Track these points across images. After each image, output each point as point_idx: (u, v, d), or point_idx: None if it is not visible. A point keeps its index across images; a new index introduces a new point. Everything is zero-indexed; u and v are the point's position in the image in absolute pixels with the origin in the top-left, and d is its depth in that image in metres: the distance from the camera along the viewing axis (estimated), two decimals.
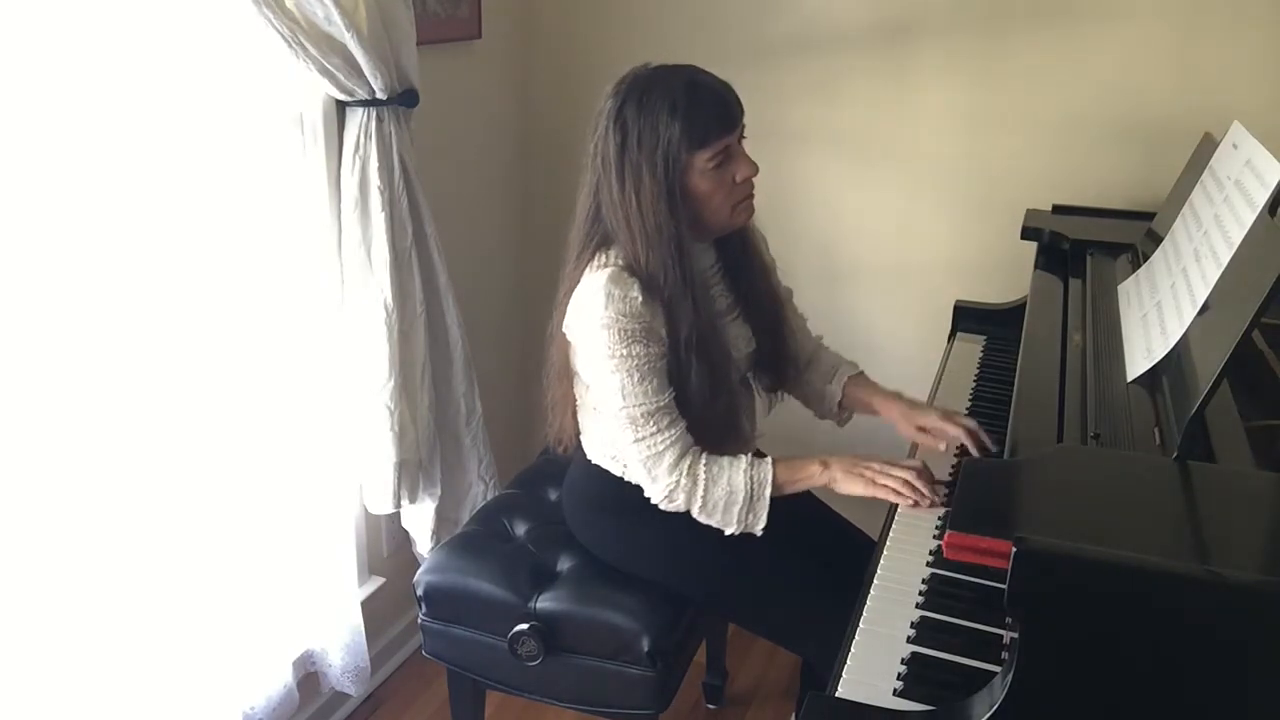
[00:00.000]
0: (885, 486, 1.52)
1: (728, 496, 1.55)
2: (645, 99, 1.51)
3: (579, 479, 1.79)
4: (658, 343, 1.54)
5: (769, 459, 1.57)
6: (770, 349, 1.76)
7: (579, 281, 1.56)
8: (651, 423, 1.54)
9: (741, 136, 1.58)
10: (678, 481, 1.55)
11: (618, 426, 1.56)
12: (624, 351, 1.51)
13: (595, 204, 1.57)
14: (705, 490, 1.55)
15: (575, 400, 1.69)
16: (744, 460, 1.56)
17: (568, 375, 1.67)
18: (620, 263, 1.54)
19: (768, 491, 1.55)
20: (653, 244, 1.52)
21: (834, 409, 1.86)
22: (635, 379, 1.52)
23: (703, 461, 1.56)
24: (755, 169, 1.58)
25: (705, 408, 1.59)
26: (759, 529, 1.56)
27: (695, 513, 1.57)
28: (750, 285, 1.73)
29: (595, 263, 1.56)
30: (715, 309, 1.66)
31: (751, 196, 1.61)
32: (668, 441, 1.54)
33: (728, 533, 1.58)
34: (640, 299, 1.51)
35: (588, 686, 1.69)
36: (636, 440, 1.55)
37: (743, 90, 1.58)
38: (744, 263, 1.73)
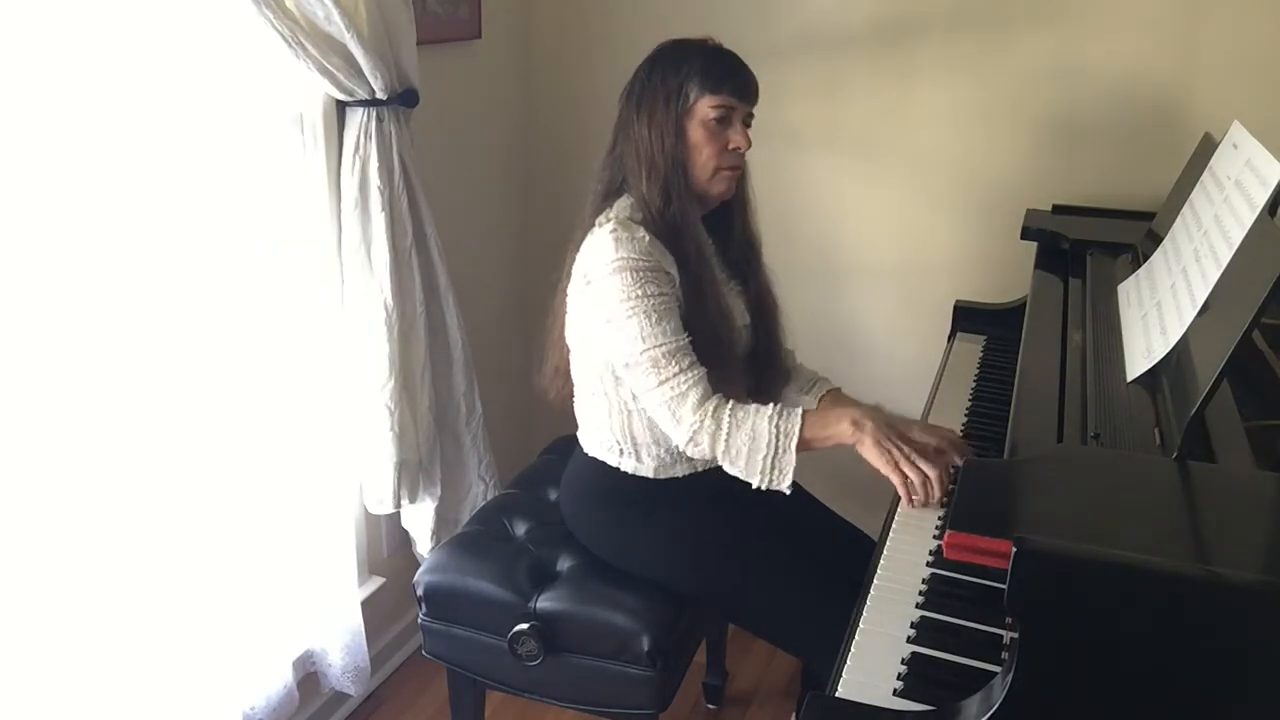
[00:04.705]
0: (903, 475, 1.49)
1: (751, 443, 1.53)
2: (681, 47, 1.65)
3: (576, 472, 1.80)
4: (669, 284, 1.57)
5: (799, 410, 1.55)
6: (763, 331, 1.77)
7: (584, 241, 1.63)
8: (674, 363, 1.55)
9: (749, 119, 1.66)
10: (701, 422, 1.54)
11: (638, 375, 1.56)
12: (639, 292, 1.54)
13: (615, 140, 1.68)
14: (729, 434, 1.53)
15: (574, 378, 1.73)
16: (771, 408, 1.54)
17: (563, 346, 1.71)
18: (624, 215, 1.61)
19: (794, 443, 1.52)
20: (655, 174, 1.61)
21: None
22: (653, 320, 1.54)
23: (728, 406, 1.55)
24: (749, 144, 1.65)
25: (706, 364, 1.59)
26: (785, 485, 1.54)
27: (719, 458, 1.56)
28: (746, 266, 1.77)
29: (599, 220, 1.62)
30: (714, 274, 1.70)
31: (736, 170, 1.68)
32: (690, 381, 1.55)
33: (754, 485, 1.55)
34: (647, 239, 1.57)
35: (588, 686, 1.69)
36: (661, 383, 1.55)
37: None
38: (747, 253, 1.77)
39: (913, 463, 1.49)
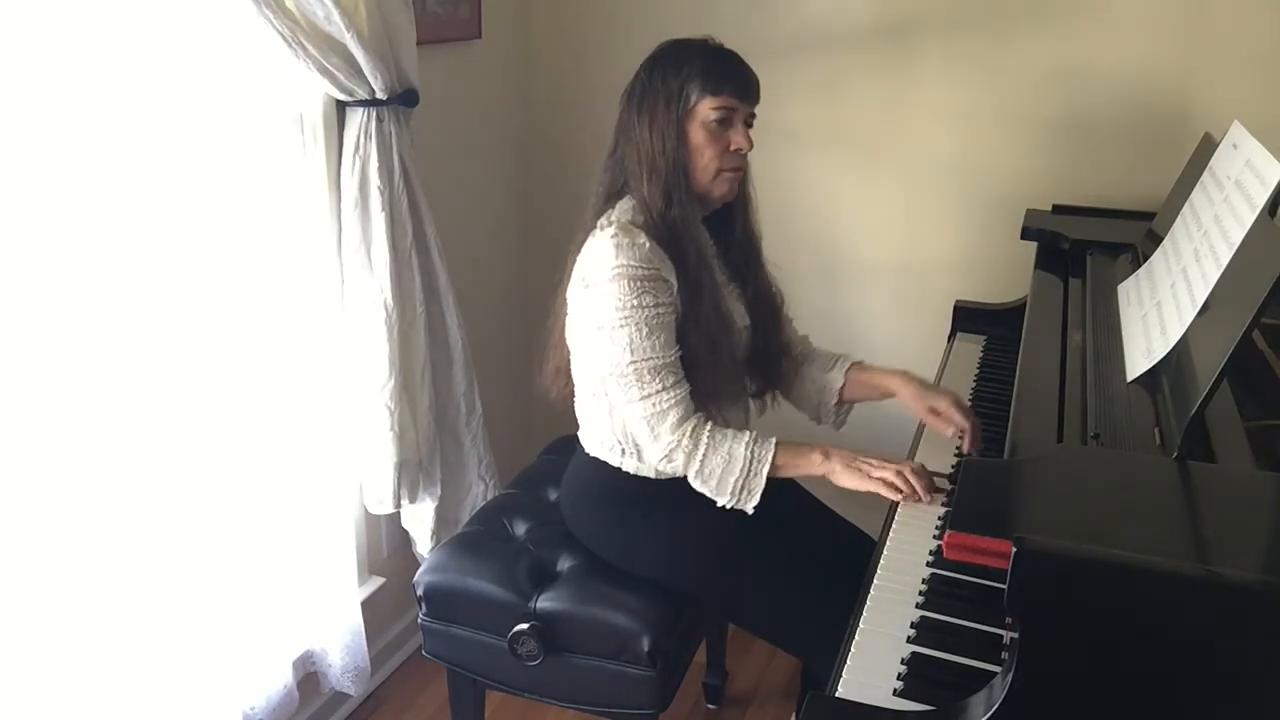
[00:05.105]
0: (879, 480, 1.54)
1: (725, 465, 1.56)
2: (682, 48, 1.64)
3: (578, 472, 1.80)
4: (667, 294, 1.57)
5: (773, 438, 1.59)
6: (765, 332, 1.77)
7: (585, 244, 1.62)
8: (658, 380, 1.55)
9: (750, 120, 1.66)
10: (679, 441, 1.56)
11: (622, 386, 1.57)
12: (634, 303, 1.54)
13: (616, 142, 1.67)
14: (705, 455, 1.56)
15: (575, 379, 1.73)
16: (748, 434, 1.58)
17: (565, 346, 1.71)
18: (626, 218, 1.60)
19: (765, 469, 1.56)
20: (656, 176, 1.60)
21: (833, 402, 1.85)
22: (644, 332, 1.54)
23: (707, 427, 1.57)
24: (750, 145, 1.64)
25: (703, 369, 1.60)
26: (751, 506, 1.58)
27: (691, 477, 1.59)
28: (747, 268, 1.77)
29: (601, 224, 1.62)
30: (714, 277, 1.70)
31: (738, 171, 1.67)
32: (672, 400, 1.56)
33: (720, 503, 1.59)
34: (648, 245, 1.56)
35: (588, 686, 1.69)
36: (642, 397, 1.56)
37: None
38: (747, 254, 1.77)
39: (883, 468, 1.55)
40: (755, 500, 1.57)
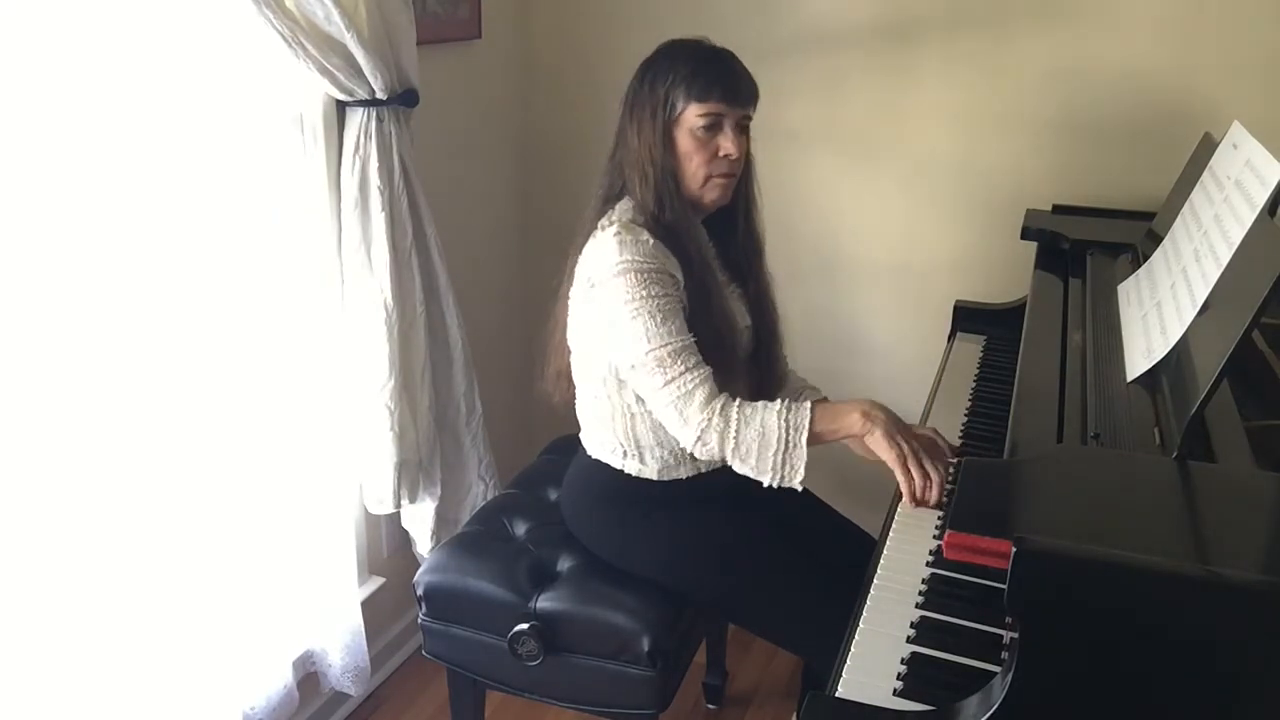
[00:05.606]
0: (909, 473, 1.50)
1: (761, 439, 1.51)
2: (673, 51, 1.63)
3: (579, 474, 1.80)
4: (673, 286, 1.57)
5: (807, 404, 1.54)
6: (764, 332, 1.77)
7: (587, 245, 1.62)
8: (680, 362, 1.53)
9: (744, 123, 1.63)
10: (709, 420, 1.52)
11: (645, 375, 1.55)
12: (643, 293, 1.53)
13: (615, 145, 1.67)
14: (738, 430, 1.51)
15: (576, 381, 1.72)
16: (779, 403, 1.53)
17: (566, 349, 1.71)
18: (626, 218, 1.60)
19: (804, 437, 1.51)
20: (647, 180, 1.60)
21: None
22: (658, 319, 1.53)
23: (735, 403, 1.53)
24: (739, 152, 1.62)
25: (712, 361, 1.58)
26: (797, 480, 1.52)
27: (729, 457, 1.54)
28: (746, 268, 1.76)
29: (602, 224, 1.61)
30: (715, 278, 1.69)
31: (728, 178, 1.65)
32: (697, 380, 1.53)
33: (765, 483, 1.54)
34: (651, 242, 1.56)
35: (588, 686, 1.69)
36: (666, 382, 1.53)
37: None
38: (749, 256, 1.76)
39: (920, 462, 1.50)
40: (799, 475, 1.51)
